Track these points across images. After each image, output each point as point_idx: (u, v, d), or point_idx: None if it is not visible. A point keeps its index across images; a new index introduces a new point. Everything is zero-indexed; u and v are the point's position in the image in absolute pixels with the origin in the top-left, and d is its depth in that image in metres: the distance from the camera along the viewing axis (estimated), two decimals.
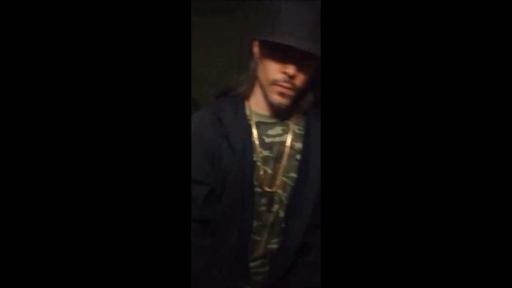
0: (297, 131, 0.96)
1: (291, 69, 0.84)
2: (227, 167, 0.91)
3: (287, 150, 0.93)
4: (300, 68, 0.86)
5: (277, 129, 0.95)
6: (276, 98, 0.89)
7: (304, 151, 0.94)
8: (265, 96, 0.91)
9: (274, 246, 0.95)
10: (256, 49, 0.91)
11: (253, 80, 0.94)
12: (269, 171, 0.92)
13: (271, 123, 0.95)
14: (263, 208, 0.93)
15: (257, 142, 0.92)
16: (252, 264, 0.95)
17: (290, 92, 0.88)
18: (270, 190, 0.92)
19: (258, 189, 0.92)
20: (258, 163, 0.92)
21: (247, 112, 0.95)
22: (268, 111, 0.95)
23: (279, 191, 0.93)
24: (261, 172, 0.91)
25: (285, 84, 0.87)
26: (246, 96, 0.96)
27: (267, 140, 0.93)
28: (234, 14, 1.38)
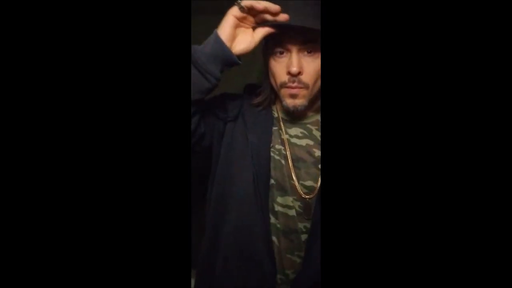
0: (319, 137, 0.89)
1: (294, 67, 0.81)
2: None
3: (304, 155, 0.89)
4: (305, 64, 0.82)
5: (296, 130, 0.91)
6: (289, 102, 0.85)
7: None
8: (281, 102, 0.88)
9: (296, 259, 0.87)
10: (266, 57, 0.89)
11: (269, 89, 0.92)
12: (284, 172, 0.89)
13: (292, 123, 0.92)
14: (279, 209, 0.88)
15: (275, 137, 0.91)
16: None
17: (301, 92, 0.84)
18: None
19: (271, 182, 0.88)
20: (276, 157, 0.89)
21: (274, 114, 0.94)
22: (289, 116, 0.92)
23: (294, 197, 0.87)
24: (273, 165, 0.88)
25: (293, 85, 0.83)
26: (271, 104, 0.95)
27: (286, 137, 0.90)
28: None
